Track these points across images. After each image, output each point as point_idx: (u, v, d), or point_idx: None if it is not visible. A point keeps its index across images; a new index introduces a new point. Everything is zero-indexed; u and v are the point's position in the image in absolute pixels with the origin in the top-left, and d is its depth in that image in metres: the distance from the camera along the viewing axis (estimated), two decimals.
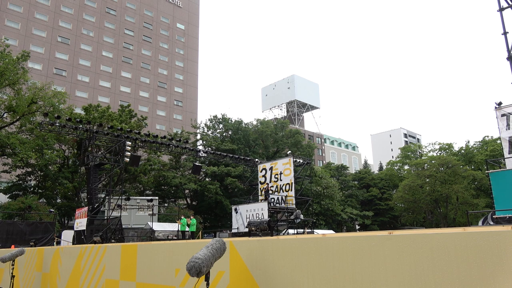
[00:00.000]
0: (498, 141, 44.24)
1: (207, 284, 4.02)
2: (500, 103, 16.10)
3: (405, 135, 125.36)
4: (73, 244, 22.56)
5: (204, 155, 35.00)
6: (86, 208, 22.70)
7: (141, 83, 71.89)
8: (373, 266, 3.41)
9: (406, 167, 66.53)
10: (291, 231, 26.27)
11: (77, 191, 34.15)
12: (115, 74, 68.81)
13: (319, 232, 30.74)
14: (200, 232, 31.16)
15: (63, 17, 65.01)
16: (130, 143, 24.61)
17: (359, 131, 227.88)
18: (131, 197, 31.84)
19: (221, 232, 38.46)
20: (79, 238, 22.37)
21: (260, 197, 26.29)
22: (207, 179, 44.34)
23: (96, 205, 23.24)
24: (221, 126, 50.75)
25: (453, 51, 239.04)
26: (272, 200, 23.95)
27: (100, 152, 27.51)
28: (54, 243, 23.83)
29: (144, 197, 35.67)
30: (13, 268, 9.54)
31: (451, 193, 49.80)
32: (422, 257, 3.12)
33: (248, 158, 34.02)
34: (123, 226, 25.21)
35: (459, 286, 2.90)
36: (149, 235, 27.40)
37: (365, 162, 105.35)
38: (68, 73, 63.10)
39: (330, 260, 3.75)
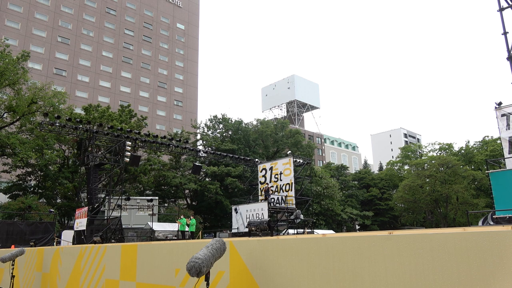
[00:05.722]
0: (498, 141, 44.23)
1: (207, 284, 4.01)
2: (500, 103, 16.09)
3: (405, 135, 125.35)
4: (73, 244, 22.55)
5: (204, 155, 35.00)
6: (86, 208, 22.69)
7: (141, 83, 71.88)
8: (373, 266, 3.41)
9: (406, 167, 66.50)
10: (291, 231, 26.26)
11: (77, 191, 34.12)
12: (115, 74, 68.80)
13: (319, 232, 30.74)
14: (200, 232, 31.16)
15: (63, 17, 65.00)
16: (130, 143, 24.61)
17: (359, 131, 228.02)
18: (131, 197, 31.83)
19: (221, 232, 38.46)
20: (79, 238, 22.35)
21: (260, 197, 26.28)
22: (207, 179, 44.33)
23: (96, 205, 23.22)
24: (221, 126, 50.74)
25: (453, 51, 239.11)
26: (272, 200, 23.94)
27: (100, 152, 27.49)
28: (54, 243, 23.83)
29: (144, 197, 35.64)
30: (13, 268, 9.53)
31: (451, 193, 49.78)
32: (422, 257, 3.12)
33: (248, 158, 34.01)
34: (123, 226, 25.21)
35: (459, 286, 2.89)
36: (149, 235, 27.40)
37: (365, 162, 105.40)
38: (68, 73, 63.09)
39: (330, 260, 3.74)
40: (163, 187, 43.96)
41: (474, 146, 59.39)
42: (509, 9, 15.99)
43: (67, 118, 25.87)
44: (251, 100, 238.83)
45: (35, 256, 11.01)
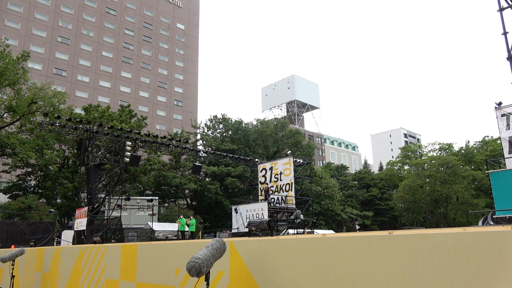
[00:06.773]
0: (498, 141, 44.21)
1: (207, 284, 4.01)
2: (500, 103, 16.08)
3: (405, 135, 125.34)
4: (73, 244, 22.56)
5: (204, 155, 34.99)
6: (86, 208, 22.69)
7: (141, 83, 71.87)
8: (373, 266, 3.41)
9: (406, 167, 66.49)
10: (291, 231, 26.26)
11: (77, 191, 34.13)
12: (115, 74, 68.80)
13: (319, 232, 30.73)
14: (200, 232, 31.16)
15: (63, 17, 64.99)
16: (130, 143, 24.61)
17: (359, 131, 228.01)
18: (131, 197, 31.83)
19: (221, 232, 38.48)
20: (79, 238, 22.36)
21: (260, 197, 26.28)
22: (207, 179, 44.33)
23: (96, 205, 23.23)
24: (221, 126, 50.75)
25: (453, 51, 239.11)
26: (272, 200, 23.94)
27: (100, 152, 27.49)
28: (54, 243, 23.83)
29: (144, 197, 35.65)
30: (13, 268, 9.53)
31: (451, 193, 49.77)
32: (422, 257, 3.11)
33: (248, 158, 34.01)
34: (123, 226, 25.20)
35: (459, 286, 2.89)
36: (149, 235, 27.40)
37: (365, 162, 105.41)
38: (68, 73, 63.08)
39: (330, 260, 3.74)
40: (163, 187, 43.96)
41: (474, 146, 59.38)
42: (509, 9, 15.99)
43: (67, 118, 25.86)
44: (251, 100, 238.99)
45: (35, 256, 11.01)
